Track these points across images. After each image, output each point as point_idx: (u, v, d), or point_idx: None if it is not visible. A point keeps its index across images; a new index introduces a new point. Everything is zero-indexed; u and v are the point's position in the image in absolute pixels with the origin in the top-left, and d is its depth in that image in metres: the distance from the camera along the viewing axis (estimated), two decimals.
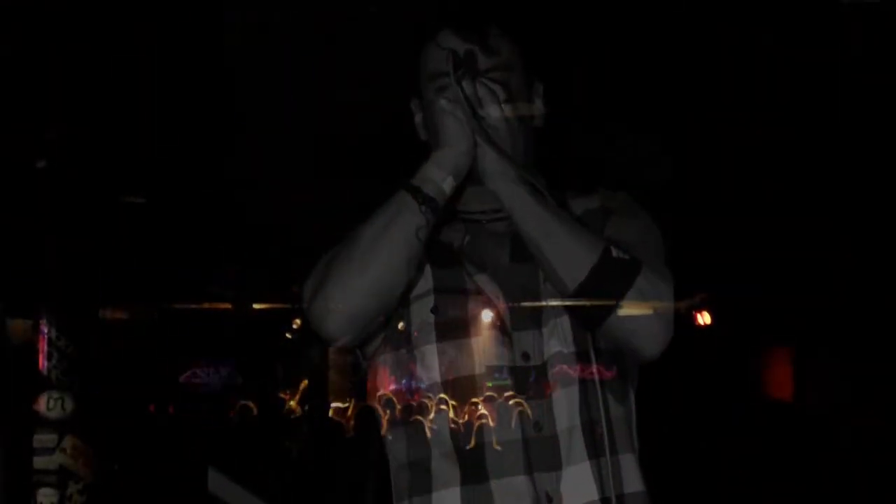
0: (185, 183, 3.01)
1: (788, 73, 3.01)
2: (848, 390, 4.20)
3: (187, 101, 2.69)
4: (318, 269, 1.80)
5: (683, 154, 3.21)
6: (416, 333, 1.81)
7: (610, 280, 1.71)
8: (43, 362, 2.13)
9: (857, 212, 3.44)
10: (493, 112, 1.77)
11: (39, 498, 2.08)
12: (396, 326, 1.83)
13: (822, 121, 3.14)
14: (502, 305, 1.80)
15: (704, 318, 4.35)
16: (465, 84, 1.74)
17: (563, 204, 1.83)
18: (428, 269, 1.82)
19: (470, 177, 1.79)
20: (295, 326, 3.94)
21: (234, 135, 2.86)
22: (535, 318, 1.79)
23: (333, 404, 1.92)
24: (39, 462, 2.08)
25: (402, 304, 1.79)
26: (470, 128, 1.75)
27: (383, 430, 1.83)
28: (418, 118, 1.92)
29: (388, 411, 1.82)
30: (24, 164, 2.28)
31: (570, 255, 1.73)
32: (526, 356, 1.78)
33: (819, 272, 3.71)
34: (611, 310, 1.72)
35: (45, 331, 2.14)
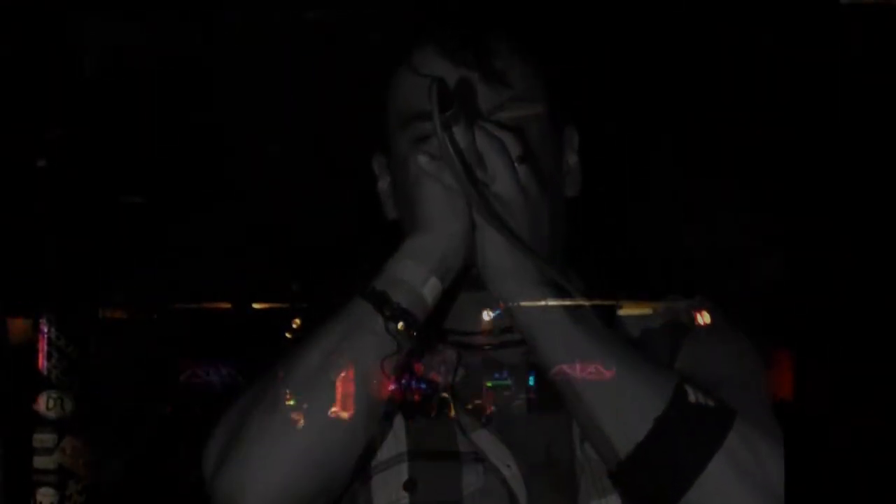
0: (185, 183, 3.01)
1: (788, 73, 3.01)
2: (848, 390, 4.20)
3: (187, 101, 2.69)
4: (227, 418, 1.21)
5: (682, 154, 3.21)
6: None
7: (685, 439, 1.13)
8: (43, 362, 2.13)
9: (857, 212, 3.44)
10: (502, 175, 1.14)
11: (39, 498, 2.08)
12: None
13: (822, 121, 3.14)
14: (516, 479, 1.19)
15: (704, 318, 4.34)
16: (457, 132, 1.11)
17: (610, 319, 1.26)
18: (399, 421, 1.22)
19: (465, 277, 1.21)
20: (295, 326, 3.94)
21: (233, 135, 2.86)
22: (568, 499, 1.21)
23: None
24: (39, 462, 2.08)
25: (358, 478, 1.19)
26: (465, 200, 1.14)
27: None
28: (383, 185, 1.34)
29: None
30: (24, 164, 2.28)
31: (622, 400, 1.13)
32: None
33: (819, 272, 3.71)
34: (687, 484, 1.12)
35: (45, 331, 2.14)
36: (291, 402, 1.10)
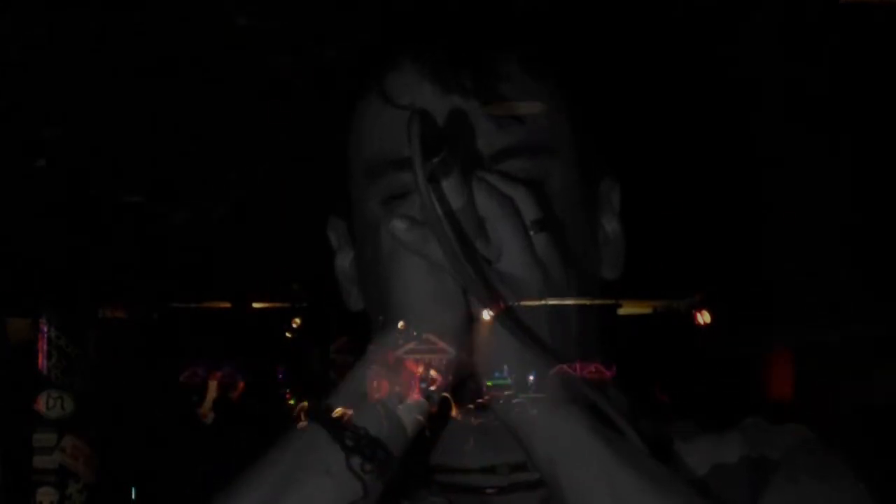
0: (184, 183, 3.01)
1: (788, 73, 3.01)
2: (848, 390, 4.21)
3: (187, 101, 2.69)
4: None
5: (683, 154, 3.22)
6: None
7: None
8: (43, 362, 2.13)
9: (857, 212, 3.44)
10: (512, 248, 0.81)
11: (39, 498, 2.08)
12: None
13: (822, 121, 3.15)
14: None
15: (704, 318, 4.35)
16: (447, 186, 0.79)
17: (665, 452, 0.90)
18: None
19: (460, 393, 0.85)
20: (295, 326, 3.96)
21: (233, 134, 2.86)
22: None
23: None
24: (39, 462, 2.08)
25: None
26: (459, 283, 0.81)
27: None
28: (343, 262, 0.97)
29: None
30: (24, 164, 2.28)
31: None
32: None
33: (818, 272, 3.72)
34: None
35: (45, 330, 2.14)
36: None
